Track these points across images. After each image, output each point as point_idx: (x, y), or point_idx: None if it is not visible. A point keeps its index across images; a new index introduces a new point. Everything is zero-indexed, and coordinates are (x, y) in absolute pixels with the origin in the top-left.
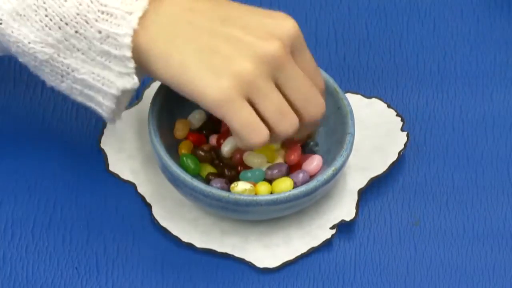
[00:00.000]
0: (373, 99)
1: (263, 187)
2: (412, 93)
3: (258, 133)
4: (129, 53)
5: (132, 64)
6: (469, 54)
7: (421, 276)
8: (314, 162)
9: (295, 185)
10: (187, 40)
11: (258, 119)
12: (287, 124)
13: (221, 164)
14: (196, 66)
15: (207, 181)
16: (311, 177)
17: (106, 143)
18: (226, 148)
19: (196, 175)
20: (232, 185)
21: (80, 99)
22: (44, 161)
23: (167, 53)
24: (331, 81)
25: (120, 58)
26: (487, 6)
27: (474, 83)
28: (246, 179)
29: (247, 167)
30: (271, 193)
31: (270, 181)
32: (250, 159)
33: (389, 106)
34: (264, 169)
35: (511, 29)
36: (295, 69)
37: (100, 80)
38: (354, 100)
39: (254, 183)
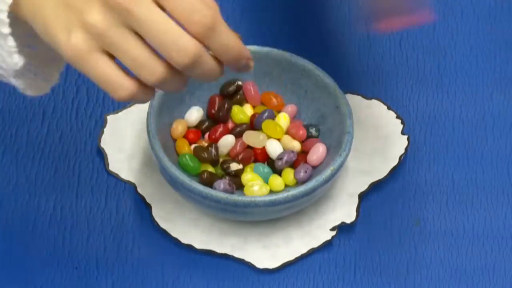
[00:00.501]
0: (373, 101)
1: (277, 181)
2: (412, 93)
3: (119, 88)
4: (6, 30)
5: (11, 42)
6: (469, 54)
7: (421, 276)
8: (319, 150)
9: (297, 182)
10: None
11: (118, 72)
12: (148, 73)
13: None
14: (53, 23)
15: (201, 179)
16: (316, 167)
17: (106, 143)
18: (223, 148)
19: (196, 174)
20: (245, 181)
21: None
22: (44, 161)
23: (33, 13)
24: (330, 80)
25: (3, 36)
26: (487, 6)
27: (474, 83)
28: (259, 173)
29: (246, 159)
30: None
31: (279, 172)
32: (250, 139)
33: (389, 108)
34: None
35: (511, 29)
36: (149, 13)
37: (2, 61)
38: (354, 101)
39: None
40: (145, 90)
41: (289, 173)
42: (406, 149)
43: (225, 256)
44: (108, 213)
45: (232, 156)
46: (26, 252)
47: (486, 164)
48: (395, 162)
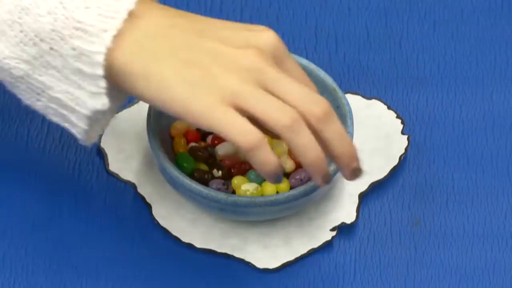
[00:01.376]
0: (373, 100)
1: (270, 187)
2: (412, 93)
3: (247, 132)
4: (100, 72)
5: (103, 84)
6: (469, 54)
7: (421, 276)
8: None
9: (292, 187)
10: (164, 56)
11: (245, 120)
12: (281, 114)
13: (214, 163)
14: (176, 80)
15: (192, 176)
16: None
17: (106, 143)
18: (220, 151)
19: (190, 173)
20: (236, 185)
21: (55, 119)
22: (44, 161)
23: (146, 71)
24: (330, 80)
25: (92, 76)
26: (487, 6)
27: (474, 83)
28: (251, 180)
29: (242, 168)
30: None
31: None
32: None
33: (389, 108)
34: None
35: (511, 29)
36: (280, 73)
37: (74, 100)
38: (354, 101)
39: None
40: (267, 144)
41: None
42: (406, 149)
43: (225, 256)
44: (108, 213)
45: (226, 164)
46: (26, 252)
47: (486, 164)
48: (395, 162)
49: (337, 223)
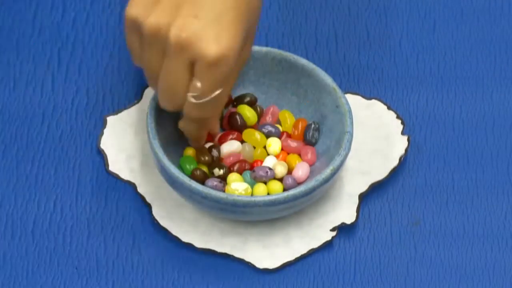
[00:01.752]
0: (373, 101)
1: (261, 188)
2: (412, 93)
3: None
4: None
5: None
6: (469, 54)
7: (421, 276)
8: (303, 169)
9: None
10: None
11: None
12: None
13: (216, 162)
14: None
15: (192, 175)
16: (299, 184)
17: (106, 143)
18: (224, 149)
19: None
20: (229, 182)
21: None
22: (44, 161)
23: None
24: (330, 80)
25: None
26: (487, 6)
27: (474, 83)
28: (245, 180)
29: (241, 167)
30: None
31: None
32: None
33: (389, 108)
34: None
35: (511, 29)
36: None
37: None
38: (354, 101)
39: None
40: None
41: (274, 184)
42: (406, 150)
43: (225, 256)
44: (108, 213)
45: (226, 163)
46: (26, 252)
47: (486, 164)
48: (395, 163)
49: (337, 223)
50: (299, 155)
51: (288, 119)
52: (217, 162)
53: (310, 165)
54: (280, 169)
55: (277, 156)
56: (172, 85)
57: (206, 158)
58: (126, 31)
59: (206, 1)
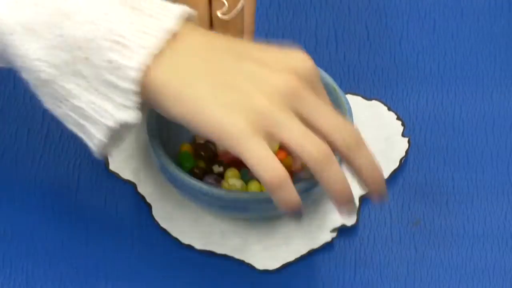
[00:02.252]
0: (373, 101)
1: (254, 185)
2: (412, 93)
3: (271, 169)
4: (134, 87)
5: (136, 99)
6: (469, 54)
7: (421, 276)
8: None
9: None
10: (201, 77)
11: (273, 155)
12: (311, 144)
13: (215, 159)
14: (210, 102)
15: (190, 173)
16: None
17: None
18: (222, 146)
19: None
20: (227, 177)
21: (72, 128)
22: (44, 161)
23: (180, 90)
24: (330, 80)
25: (126, 90)
26: (487, 6)
27: (474, 83)
28: (242, 177)
29: (239, 164)
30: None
31: None
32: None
33: (389, 109)
34: None
35: (511, 29)
36: (316, 100)
37: (98, 111)
38: (354, 102)
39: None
40: (290, 183)
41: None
42: (406, 151)
43: (225, 257)
44: (108, 213)
45: (224, 159)
46: (26, 252)
47: (486, 164)
48: (395, 165)
49: (337, 224)
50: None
51: None
52: (216, 159)
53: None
54: None
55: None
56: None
57: (204, 153)
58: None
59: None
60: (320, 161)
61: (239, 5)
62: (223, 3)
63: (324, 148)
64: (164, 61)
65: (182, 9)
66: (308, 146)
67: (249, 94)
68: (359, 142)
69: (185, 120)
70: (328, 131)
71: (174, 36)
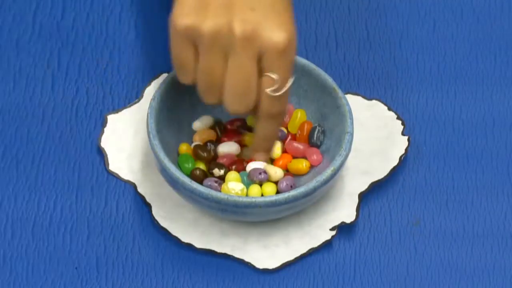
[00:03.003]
0: (373, 101)
1: (255, 189)
2: (412, 93)
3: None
4: None
5: None
6: (469, 54)
7: (421, 276)
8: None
9: (279, 191)
10: None
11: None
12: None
13: (216, 162)
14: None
15: (192, 175)
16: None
17: (106, 143)
18: (221, 149)
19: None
20: (227, 180)
21: None
22: (44, 161)
23: None
24: (330, 80)
25: None
26: (487, 6)
27: (474, 83)
28: (242, 181)
29: (239, 168)
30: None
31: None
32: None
33: (389, 109)
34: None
35: (511, 29)
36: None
37: None
38: (354, 102)
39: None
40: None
41: (268, 186)
42: (406, 149)
43: (225, 256)
44: (108, 213)
45: (225, 164)
46: (26, 252)
47: (486, 164)
48: (395, 162)
49: (337, 222)
50: (304, 157)
51: (297, 119)
52: (218, 163)
53: (316, 166)
54: (275, 172)
55: (278, 159)
56: (244, 84)
57: (205, 154)
58: (177, 45)
59: None
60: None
61: (289, 83)
62: (273, 80)
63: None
64: None
65: None
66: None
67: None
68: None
69: None
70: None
71: None
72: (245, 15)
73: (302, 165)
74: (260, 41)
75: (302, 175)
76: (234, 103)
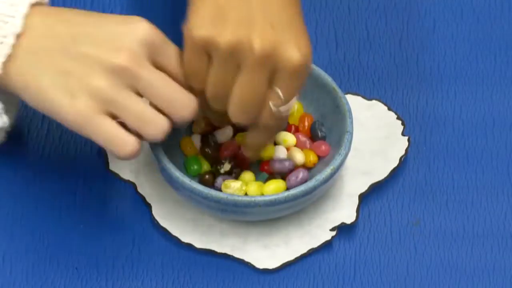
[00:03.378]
0: (373, 101)
1: (253, 187)
2: (412, 93)
3: (123, 145)
4: None
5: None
6: (469, 54)
7: (421, 276)
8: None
9: (288, 187)
10: (42, 67)
11: (121, 131)
12: (153, 129)
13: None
14: (52, 91)
15: (203, 180)
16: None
17: None
18: (219, 137)
19: (196, 175)
20: (224, 185)
21: None
22: (44, 161)
23: (26, 83)
24: (330, 80)
25: None
26: (487, 6)
27: (474, 83)
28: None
29: (245, 162)
30: (262, 193)
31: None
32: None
33: (389, 109)
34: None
35: (511, 29)
36: (151, 75)
37: None
38: (354, 102)
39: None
40: (139, 148)
41: (268, 184)
42: (406, 150)
43: (225, 256)
44: (108, 213)
45: (226, 154)
46: (26, 252)
47: (486, 164)
48: (395, 163)
49: (337, 223)
50: (311, 149)
51: (295, 112)
52: (221, 161)
53: (324, 157)
54: (299, 156)
55: (288, 149)
56: (252, 98)
57: (209, 150)
58: (191, 54)
59: (274, 8)
60: (157, 138)
61: (293, 101)
62: (279, 96)
63: (164, 125)
64: (12, 64)
65: (27, 4)
66: (144, 127)
67: (87, 77)
68: (192, 114)
69: (37, 109)
70: (162, 106)
71: (18, 37)
72: (264, 32)
73: (310, 156)
74: (276, 60)
75: (310, 168)
76: (239, 114)
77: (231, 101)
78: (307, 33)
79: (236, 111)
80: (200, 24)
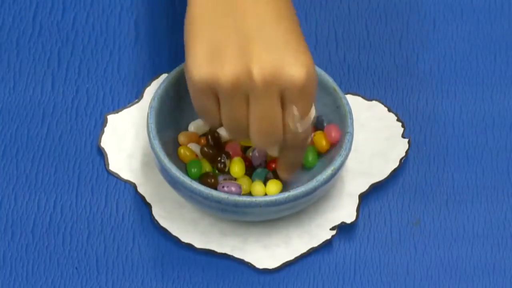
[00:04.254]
0: (374, 102)
1: (258, 187)
2: (412, 93)
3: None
4: None
5: None
6: (469, 54)
7: (421, 276)
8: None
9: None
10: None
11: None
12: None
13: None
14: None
15: (206, 183)
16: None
17: (106, 143)
18: (223, 132)
19: (197, 177)
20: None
21: None
22: (44, 161)
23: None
24: (330, 80)
25: None
26: (487, 6)
27: (474, 83)
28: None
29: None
30: (265, 194)
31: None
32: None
33: (389, 110)
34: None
35: (511, 29)
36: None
37: None
38: (355, 103)
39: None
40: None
41: (272, 184)
42: (406, 152)
43: (225, 256)
44: (108, 213)
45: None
46: (26, 252)
47: (486, 164)
48: (395, 164)
49: (337, 222)
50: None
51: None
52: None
53: (335, 143)
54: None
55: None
56: (269, 124)
57: (210, 150)
58: (197, 96)
59: (268, 31)
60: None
61: (312, 114)
62: (295, 113)
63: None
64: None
65: None
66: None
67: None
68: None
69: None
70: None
71: None
72: (261, 59)
73: (322, 139)
74: (280, 81)
75: (322, 153)
76: (262, 141)
77: (251, 131)
78: (306, 46)
79: (258, 140)
80: (199, 65)
